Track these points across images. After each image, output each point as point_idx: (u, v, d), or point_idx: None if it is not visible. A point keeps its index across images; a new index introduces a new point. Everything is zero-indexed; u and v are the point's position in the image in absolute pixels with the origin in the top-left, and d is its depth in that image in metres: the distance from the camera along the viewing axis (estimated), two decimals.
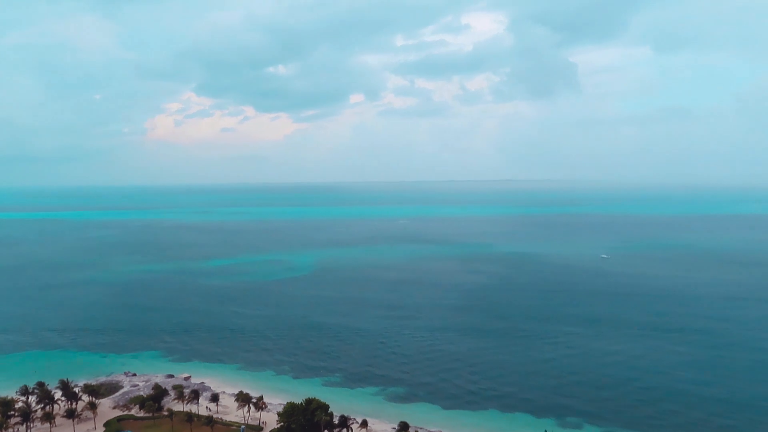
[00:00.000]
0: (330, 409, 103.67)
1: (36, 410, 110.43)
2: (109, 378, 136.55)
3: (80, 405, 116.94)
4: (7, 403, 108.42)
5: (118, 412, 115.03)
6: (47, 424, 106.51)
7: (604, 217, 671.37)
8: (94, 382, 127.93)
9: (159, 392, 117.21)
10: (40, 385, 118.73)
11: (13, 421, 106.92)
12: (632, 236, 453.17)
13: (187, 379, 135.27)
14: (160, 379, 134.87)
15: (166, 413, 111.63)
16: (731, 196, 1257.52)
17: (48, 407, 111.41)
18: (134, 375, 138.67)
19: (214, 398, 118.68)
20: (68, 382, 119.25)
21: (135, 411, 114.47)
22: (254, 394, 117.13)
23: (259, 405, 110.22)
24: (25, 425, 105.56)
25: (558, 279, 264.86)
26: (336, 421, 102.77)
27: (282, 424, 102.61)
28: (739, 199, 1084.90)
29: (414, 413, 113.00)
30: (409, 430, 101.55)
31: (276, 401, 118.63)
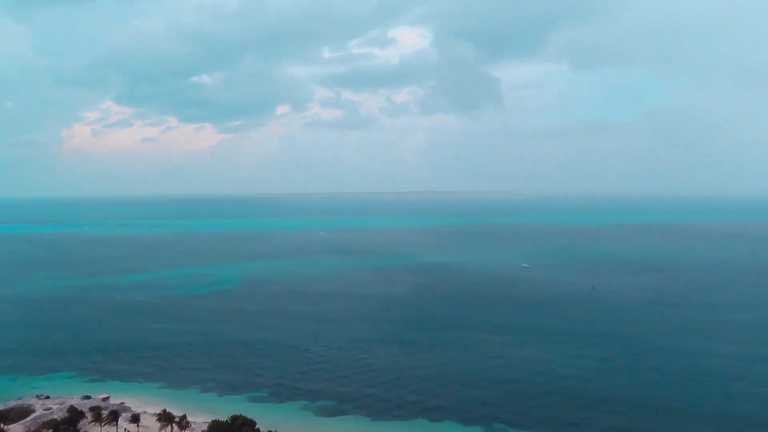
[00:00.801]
0: (257, 426, 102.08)
1: None
2: (20, 402, 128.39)
3: None
4: None
5: None
6: None
7: (526, 227, 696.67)
8: (2, 407, 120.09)
9: (74, 415, 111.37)
10: None
11: None
12: (552, 245, 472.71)
13: (105, 399, 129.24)
14: (75, 401, 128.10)
15: None
16: (643, 205, 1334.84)
17: None
18: (47, 398, 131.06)
19: (135, 419, 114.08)
20: None
21: None
22: (177, 413, 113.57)
23: (183, 424, 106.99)
24: None
25: (480, 288, 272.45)
26: None
27: None
28: (650, 209, 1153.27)
29: (343, 427, 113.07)
30: None
31: (200, 419, 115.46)
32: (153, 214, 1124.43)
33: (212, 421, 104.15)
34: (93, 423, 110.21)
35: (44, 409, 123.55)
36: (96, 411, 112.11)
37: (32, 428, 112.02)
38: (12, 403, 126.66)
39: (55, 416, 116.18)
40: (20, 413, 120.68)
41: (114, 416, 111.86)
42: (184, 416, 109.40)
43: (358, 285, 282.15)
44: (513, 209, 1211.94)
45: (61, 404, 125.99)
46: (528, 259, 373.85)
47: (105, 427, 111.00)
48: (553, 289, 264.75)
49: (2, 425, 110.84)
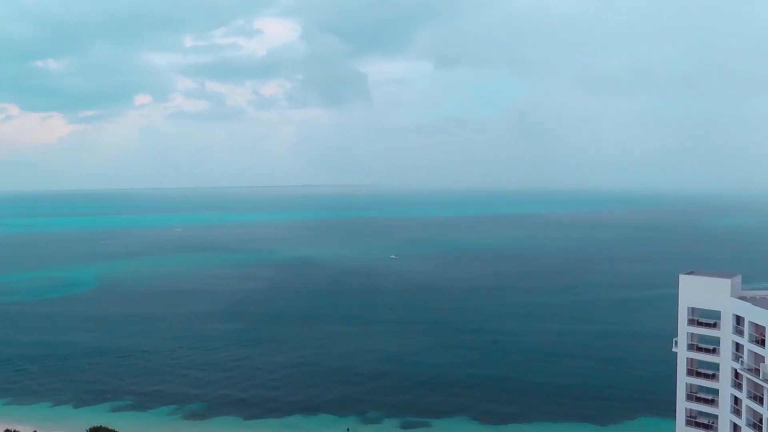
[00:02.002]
0: None
1: None
2: None
3: None
4: None
5: None
6: None
7: (395, 220, 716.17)
8: None
9: None
10: None
11: None
12: (419, 237, 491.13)
13: None
14: None
15: None
16: (501, 198, 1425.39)
17: None
18: None
19: None
20: None
21: None
22: (26, 429, 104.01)
23: None
24: None
25: (344, 281, 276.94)
26: None
27: None
28: (507, 201, 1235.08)
29: (215, 429, 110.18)
30: None
31: None
32: None
33: None
34: None
35: None
36: None
37: None
38: None
39: None
40: None
41: None
42: None
43: (218, 283, 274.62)
44: (382, 203, 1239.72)
45: None
46: (396, 251, 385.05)
47: None
48: (414, 279, 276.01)
49: None
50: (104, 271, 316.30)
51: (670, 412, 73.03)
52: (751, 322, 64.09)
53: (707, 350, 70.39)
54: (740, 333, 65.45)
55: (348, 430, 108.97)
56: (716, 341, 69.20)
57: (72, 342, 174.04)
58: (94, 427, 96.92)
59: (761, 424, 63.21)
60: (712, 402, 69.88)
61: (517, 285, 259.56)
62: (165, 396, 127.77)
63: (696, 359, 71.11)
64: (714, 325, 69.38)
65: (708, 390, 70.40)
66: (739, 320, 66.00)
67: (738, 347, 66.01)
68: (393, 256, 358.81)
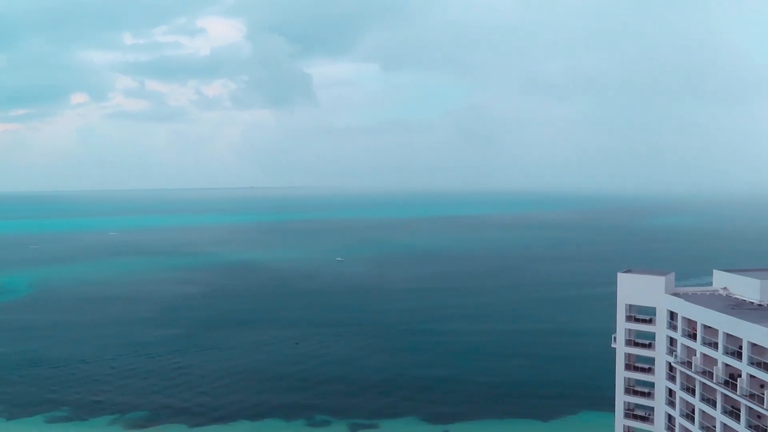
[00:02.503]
0: None
1: None
2: None
3: None
4: None
5: None
6: None
7: (341, 222, 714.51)
8: None
9: None
10: None
11: None
12: (365, 238, 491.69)
13: None
14: None
15: None
16: (444, 199, 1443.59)
17: None
18: None
19: None
20: None
21: None
22: None
23: None
24: None
25: (286, 284, 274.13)
26: None
27: None
28: (450, 203, 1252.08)
29: None
30: None
31: None
32: None
33: None
34: None
35: None
36: None
37: None
38: None
39: None
40: None
41: None
42: None
43: (157, 288, 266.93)
44: (328, 205, 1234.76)
45: None
46: (342, 253, 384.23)
47: None
48: (359, 281, 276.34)
49: None
50: (35, 277, 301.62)
51: (609, 405, 75.75)
52: (683, 317, 67.23)
53: (644, 345, 73.35)
54: (674, 328, 68.55)
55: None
56: (652, 336, 72.24)
57: (1, 353, 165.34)
58: None
59: (693, 414, 66.35)
60: (648, 395, 72.85)
61: (461, 285, 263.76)
62: (104, 406, 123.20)
63: (633, 354, 74.06)
64: (650, 321, 72.45)
65: (645, 383, 73.39)
66: (672, 316, 69.13)
67: (672, 341, 69.13)
68: (339, 259, 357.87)
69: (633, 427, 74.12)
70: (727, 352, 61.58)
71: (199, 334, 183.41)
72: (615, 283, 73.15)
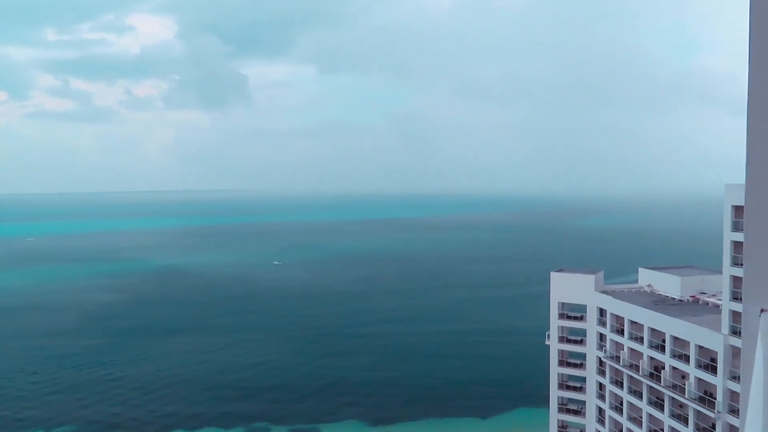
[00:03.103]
0: None
1: None
2: None
3: None
4: None
5: None
6: None
7: (279, 225, 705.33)
8: None
9: None
10: None
11: None
12: (303, 242, 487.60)
13: None
14: None
15: None
16: (384, 202, 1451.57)
17: None
18: None
19: None
20: None
21: None
22: None
23: None
24: None
25: (228, 289, 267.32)
26: None
27: None
28: (390, 205, 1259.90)
29: None
30: None
31: None
32: None
33: None
34: None
35: None
36: None
37: None
38: None
39: None
40: None
41: None
42: None
43: (81, 296, 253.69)
44: (266, 208, 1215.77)
45: None
46: (280, 256, 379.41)
47: None
48: (297, 285, 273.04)
49: None
50: None
51: (544, 401, 78.10)
52: (612, 314, 70.23)
53: (576, 341, 76.15)
54: (603, 324, 71.49)
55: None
56: (583, 333, 75.11)
57: None
58: None
59: (622, 406, 69.34)
60: (580, 389, 75.66)
61: (399, 288, 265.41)
62: (27, 424, 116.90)
63: (566, 350, 76.75)
64: (581, 318, 75.29)
65: (577, 378, 76.20)
66: (602, 312, 72.09)
67: (602, 337, 72.06)
68: (276, 262, 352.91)
69: (566, 421, 76.78)
70: (651, 346, 64.75)
71: (127, 343, 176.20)
72: (548, 283, 75.47)
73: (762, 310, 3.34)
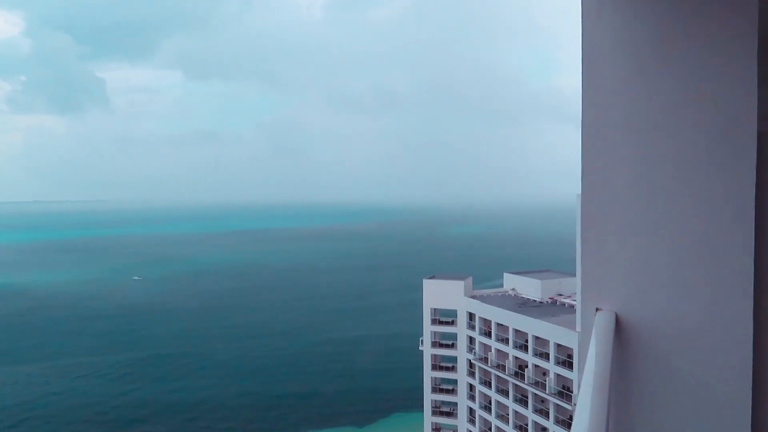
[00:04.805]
0: None
1: None
2: None
3: None
4: None
5: None
6: None
7: (143, 238, 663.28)
8: None
9: None
10: None
11: None
12: (167, 255, 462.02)
13: None
14: None
15: None
16: (253, 212, 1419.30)
17: None
18: None
19: None
20: None
21: None
22: None
23: None
24: None
25: (73, 308, 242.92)
26: None
27: None
28: (259, 216, 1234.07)
29: None
30: None
31: None
32: None
33: None
34: None
35: None
36: None
37: None
38: None
39: None
40: None
41: None
42: None
43: None
44: (128, 220, 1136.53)
45: None
46: (141, 271, 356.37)
47: None
48: (158, 302, 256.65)
49: None
50: None
51: (419, 405, 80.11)
52: (480, 317, 73.82)
53: (447, 345, 79.08)
54: (472, 327, 74.95)
55: None
56: (454, 337, 78.22)
57: None
58: None
59: (491, 405, 72.94)
60: (452, 391, 78.60)
61: (268, 299, 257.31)
62: None
63: (439, 354, 79.48)
64: (452, 323, 78.36)
65: (449, 381, 79.11)
66: (471, 317, 75.57)
67: (471, 340, 75.48)
68: (136, 278, 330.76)
69: (440, 423, 79.39)
70: (516, 346, 68.87)
71: None
72: (420, 290, 77.73)
73: (597, 309, 3.63)
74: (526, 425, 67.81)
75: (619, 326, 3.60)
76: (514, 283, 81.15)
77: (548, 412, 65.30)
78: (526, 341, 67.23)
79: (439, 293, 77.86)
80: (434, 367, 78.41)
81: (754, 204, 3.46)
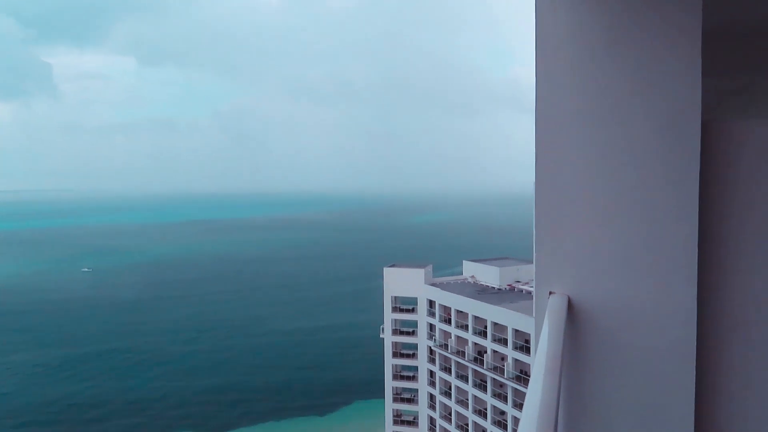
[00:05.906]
0: None
1: None
2: None
3: None
4: None
5: None
6: None
7: (95, 228, 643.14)
8: None
9: None
10: None
11: None
12: (118, 246, 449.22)
13: None
14: None
15: None
16: (210, 202, 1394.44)
17: None
18: None
19: None
20: None
21: None
22: None
23: None
24: None
25: (28, 302, 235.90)
26: None
27: None
28: (216, 205, 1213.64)
29: None
30: None
31: None
32: None
33: None
34: None
35: None
36: None
37: None
38: None
39: None
40: None
41: None
42: None
43: None
44: (77, 210, 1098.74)
45: None
46: (90, 262, 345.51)
47: None
48: (112, 295, 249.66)
49: None
50: None
51: (381, 392, 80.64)
52: (440, 305, 74.62)
53: (408, 333, 79.71)
54: (433, 315, 75.73)
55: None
56: (415, 324, 78.87)
57: None
58: None
59: (451, 391, 74.03)
60: (413, 378, 79.41)
61: (223, 289, 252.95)
62: None
63: (399, 342, 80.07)
64: (412, 310, 78.99)
65: (410, 368, 79.86)
66: (431, 304, 76.31)
67: (431, 327, 76.28)
68: (85, 269, 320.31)
69: (401, 410, 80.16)
70: (475, 333, 69.95)
71: None
72: (380, 278, 78.00)
73: (551, 293, 3.78)
74: (485, 409, 69.14)
75: (571, 308, 3.77)
76: (473, 270, 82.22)
77: (506, 396, 66.70)
78: (485, 327, 68.36)
79: (400, 281, 78.28)
80: (395, 355, 78.98)
81: (698, 191, 3.67)
